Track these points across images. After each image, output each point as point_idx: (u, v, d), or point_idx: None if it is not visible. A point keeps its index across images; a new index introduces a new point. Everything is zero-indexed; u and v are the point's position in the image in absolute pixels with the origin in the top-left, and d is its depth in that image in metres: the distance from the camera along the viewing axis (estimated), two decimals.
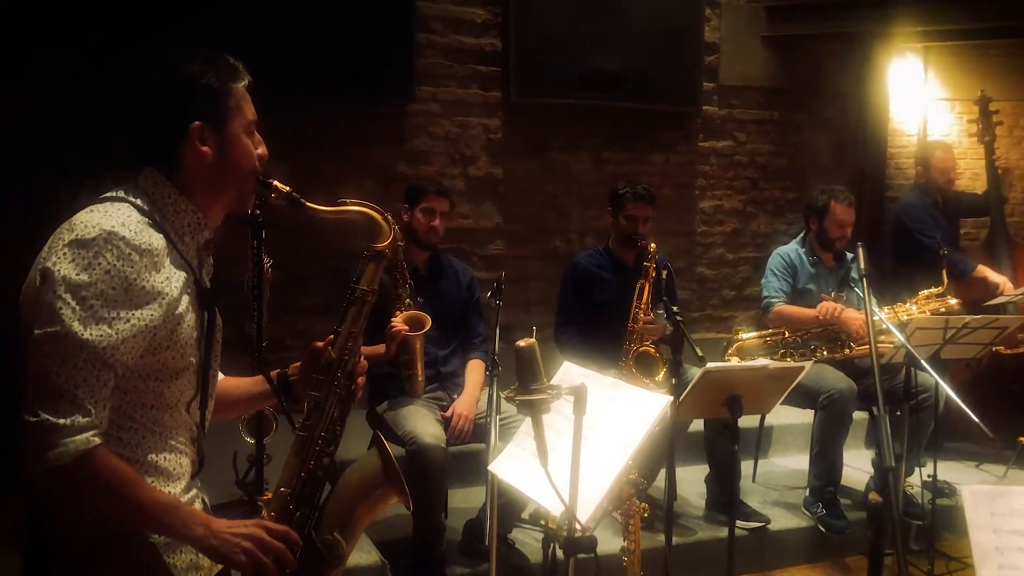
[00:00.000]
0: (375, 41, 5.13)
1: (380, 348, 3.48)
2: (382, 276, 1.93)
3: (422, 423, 3.46)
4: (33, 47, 4.31)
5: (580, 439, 1.92)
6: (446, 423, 3.60)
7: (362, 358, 1.92)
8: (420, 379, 3.52)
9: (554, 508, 2.04)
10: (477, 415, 3.65)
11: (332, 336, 1.88)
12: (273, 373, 1.97)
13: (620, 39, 5.73)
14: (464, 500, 4.07)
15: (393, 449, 3.53)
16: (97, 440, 1.53)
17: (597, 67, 5.68)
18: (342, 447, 1.89)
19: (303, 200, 1.79)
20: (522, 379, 1.87)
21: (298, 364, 1.98)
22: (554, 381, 2.38)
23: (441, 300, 3.82)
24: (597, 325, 4.20)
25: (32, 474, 1.50)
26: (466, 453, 3.91)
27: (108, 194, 1.67)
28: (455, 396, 3.75)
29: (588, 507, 1.98)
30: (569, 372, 2.38)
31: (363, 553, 3.46)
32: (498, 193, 5.75)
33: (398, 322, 3.43)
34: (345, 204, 1.86)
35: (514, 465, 2.35)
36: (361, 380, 1.92)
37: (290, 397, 1.99)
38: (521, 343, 1.87)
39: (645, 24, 5.78)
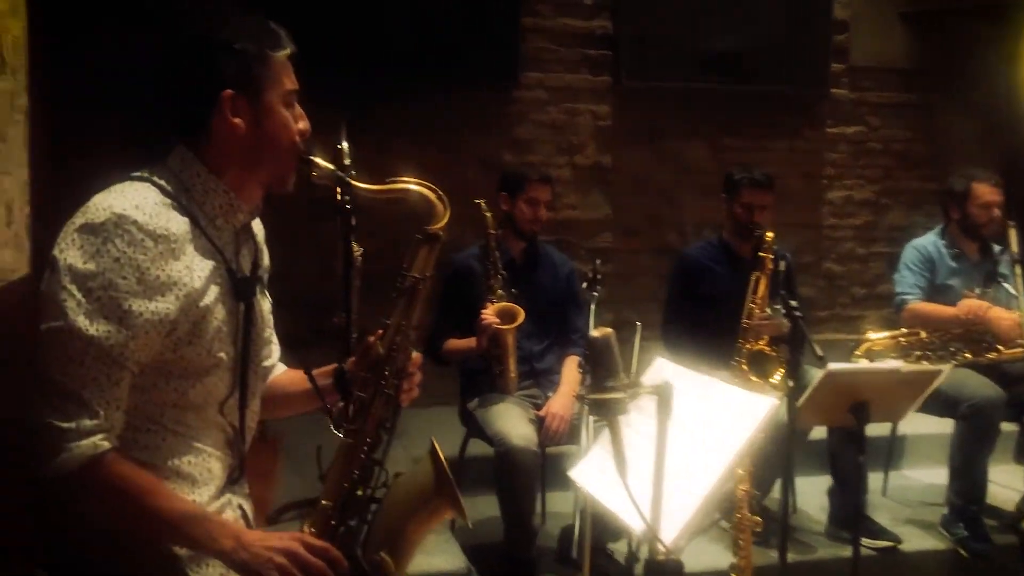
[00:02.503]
0: (478, 26, 4.99)
1: (471, 341, 3.31)
2: (436, 260, 1.72)
3: (513, 423, 3.26)
4: None
5: (665, 447, 1.65)
6: (540, 423, 3.38)
7: (415, 353, 1.70)
8: (512, 376, 3.33)
9: (635, 525, 1.77)
10: (574, 415, 3.42)
11: (381, 330, 1.67)
12: (330, 368, 1.77)
13: (740, 18, 5.40)
14: (563, 504, 3.83)
15: (482, 448, 3.43)
16: (106, 444, 1.38)
17: (715, 48, 5.39)
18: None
19: (348, 178, 1.61)
20: (596, 375, 1.62)
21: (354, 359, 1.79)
22: (644, 379, 2.14)
23: (537, 292, 3.61)
24: (708, 321, 3.90)
25: (40, 482, 1.37)
26: (563, 455, 3.68)
27: (134, 173, 1.52)
28: (550, 394, 3.53)
29: (674, 525, 1.71)
30: (661, 369, 2.11)
31: (448, 557, 3.28)
32: (607, 183, 5.50)
33: (489, 315, 3.25)
34: (396, 182, 1.69)
35: (597, 471, 2.09)
36: (416, 378, 1.71)
37: (346, 394, 1.79)
38: (595, 332, 1.63)
39: (768, 0, 5.42)
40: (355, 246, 3.80)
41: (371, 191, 1.65)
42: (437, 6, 4.91)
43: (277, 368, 1.84)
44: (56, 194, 2.64)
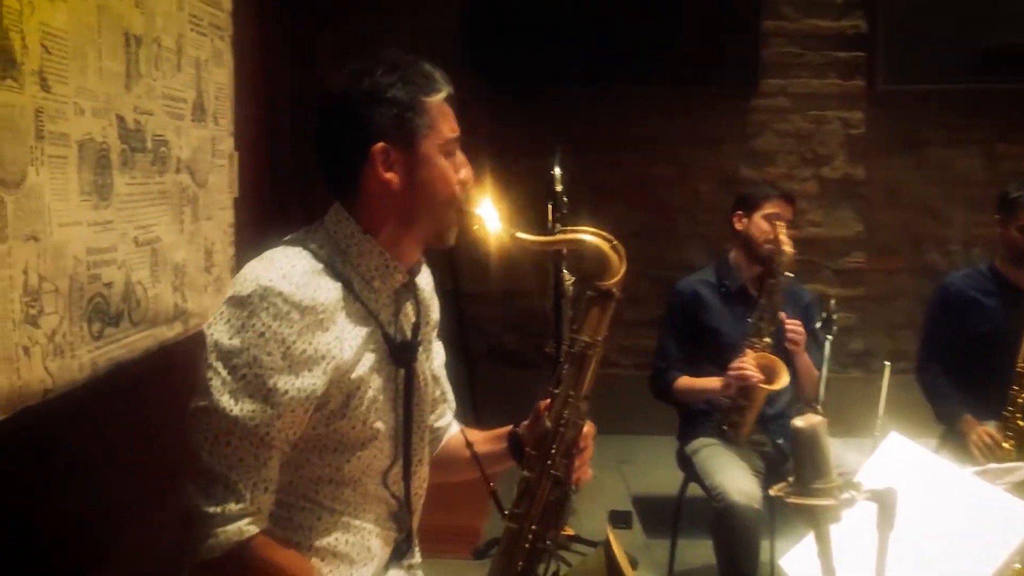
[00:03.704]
0: (714, 31, 4.69)
1: (712, 383, 3.04)
2: (609, 320, 1.51)
3: (734, 475, 2.94)
4: None
5: (884, 563, 1.34)
6: (767, 464, 3.06)
7: (588, 424, 1.51)
8: (746, 431, 3.02)
9: None
10: None
11: (549, 400, 1.49)
12: (505, 430, 1.63)
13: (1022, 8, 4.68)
14: None
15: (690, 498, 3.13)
16: (253, 529, 1.30)
17: (991, 44, 4.69)
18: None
19: (513, 231, 1.46)
20: (800, 472, 1.34)
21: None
22: (871, 462, 1.81)
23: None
24: (973, 363, 3.36)
25: (190, 567, 1.31)
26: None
27: (291, 236, 1.45)
28: (780, 441, 3.17)
29: None
30: (894, 450, 1.77)
31: None
32: (858, 196, 4.99)
33: (749, 364, 2.93)
34: (564, 233, 1.52)
35: (811, 565, 1.78)
36: (587, 454, 1.52)
37: (521, 460, 1.63)
38: (799, 422, 1.35)
39: None
40: (566, 274, 3.63)
41: (539, 243, 1.50)
42: (669, 13, 4.67)
43: (451, 428, 1.72)
44: (263, 238, 2.76)
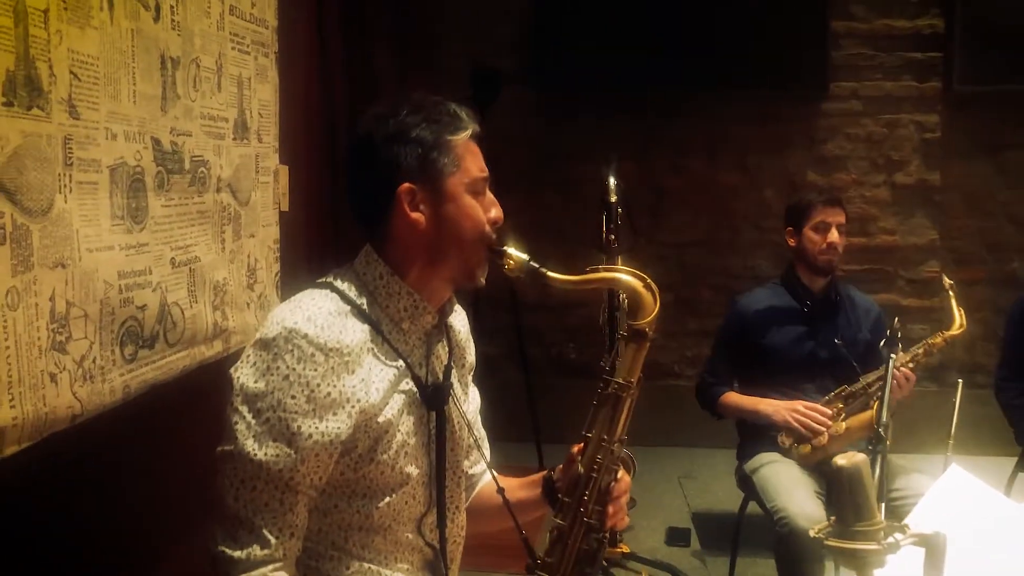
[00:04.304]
0: (781, 34, 4.59)
1: (765, 405, 3.00)
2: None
3: (797, 496, 2.82)
4: None
5: None
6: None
7: (623, 474, 1.47)
8: (808, 454, 2.94)
9: None
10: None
11: (582, 444, 1.45)
12: (539, 476, 1.59)
13: None
14: None
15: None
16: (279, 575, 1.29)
17: None
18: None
19: (543, 270, 1.43)
20: (841, 513, 1.28)
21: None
22: (928, 497, 1.71)
23: (836, 337, 3.11)
24: None
25: None
26: None
27: (322, 279, 1.45)
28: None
29: None
30: (955, 486, 1.67)
31: None
32: (934, 203, 4.81)
33: (822, 417, 2.92)
34: (597, 271, 1.46)
35: None
36: (619, 505, 1.47)
37: (555, 505, 1.57)
38: (841, 460, 1.27)
39: None
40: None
41: (569, 282, 1.45)
42: (735, 16, 4.60)
43: (484, 476, 1.68)
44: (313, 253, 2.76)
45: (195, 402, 1.87)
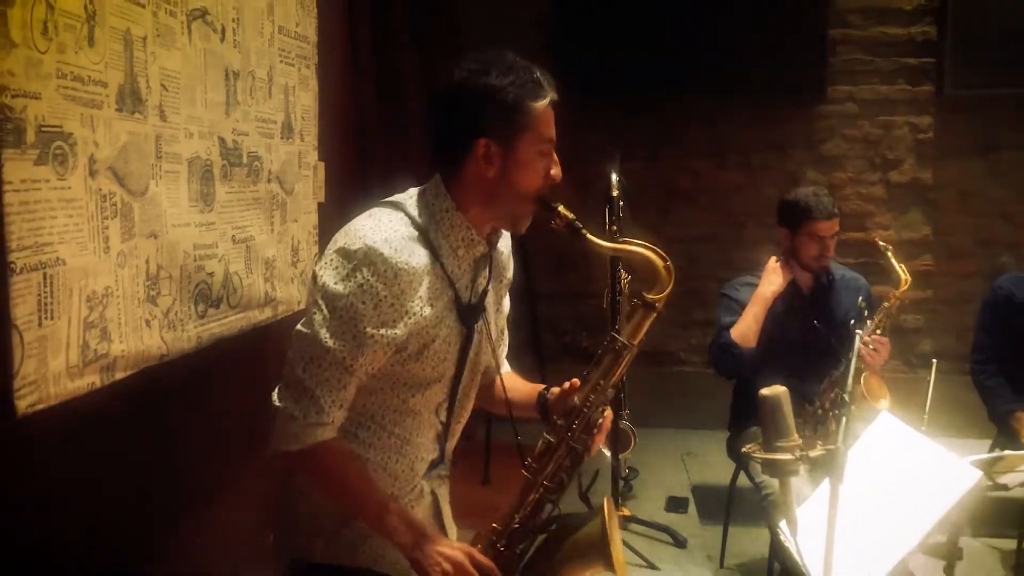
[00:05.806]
0: (781, 41, 4.87)
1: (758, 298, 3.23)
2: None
3: None
4: None
5: (835, 513, 1.59)
6: None
7: (607, 411, 1.76)
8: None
9: None
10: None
11: (580, 381, 1.75)
12: (538, 388, 1.89)
13: None
14: None
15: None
16: (326, 435, 1.61)
17: None
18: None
19: (584, 231, 1.67)
20: (766, 434, 1.60)
21: (558, 390, 1.85)
22: (866, 434, 2.03)
23: (832, 319, 3.31)
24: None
25: (271, 453, 1.64)
26: None
27: (391, 199, 1.69)
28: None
29: None
30: (884, 424, 1.99)
31: None
32: (927, 200, 5.08)
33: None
34: (628, 242, 1.72)
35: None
36: (600, 437, 1.77)
37: (545, 419, 1.90)
38: (765, 391, 1.60)
39: None
40: (622, 272, 3.87)
41: (602, 247, 1.70)
42: (739, 26, 4.86)
43: (503, 366, 1.96)
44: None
45: (247, 359, 2.24)
